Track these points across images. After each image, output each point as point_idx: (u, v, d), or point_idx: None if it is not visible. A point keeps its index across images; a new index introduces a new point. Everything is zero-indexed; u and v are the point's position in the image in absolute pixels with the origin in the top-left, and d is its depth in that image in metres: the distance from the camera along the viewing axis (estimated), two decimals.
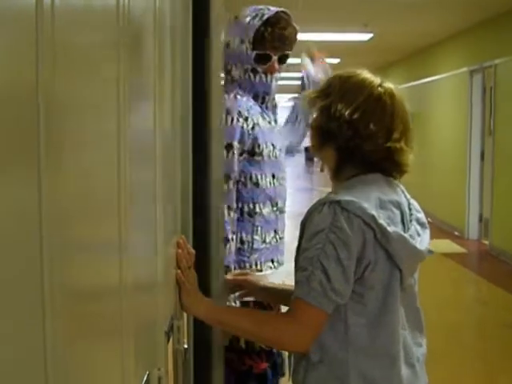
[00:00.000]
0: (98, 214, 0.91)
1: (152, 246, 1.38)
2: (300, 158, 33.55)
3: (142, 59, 1.29)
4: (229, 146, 2.29)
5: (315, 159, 31.55)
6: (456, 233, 10.22)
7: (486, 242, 9.33)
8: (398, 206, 1.73)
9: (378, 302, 1.63)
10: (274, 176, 2.39)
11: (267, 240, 2.37)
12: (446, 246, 9.57)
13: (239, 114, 2.32)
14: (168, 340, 1.63)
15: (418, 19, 9.32)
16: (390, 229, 1.60)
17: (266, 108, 2.45)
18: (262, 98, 2.43)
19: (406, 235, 1.66)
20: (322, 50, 2.96)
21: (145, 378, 1.23)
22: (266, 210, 2.36)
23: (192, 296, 1.75)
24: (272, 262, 2.40)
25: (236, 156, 2.30)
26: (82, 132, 0.82)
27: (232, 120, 2.31)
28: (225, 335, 2.31)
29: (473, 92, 9.97)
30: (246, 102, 2.35)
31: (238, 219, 2.35)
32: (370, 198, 1.65)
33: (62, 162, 0.71)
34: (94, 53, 0.89)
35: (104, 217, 0.95)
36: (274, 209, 2.40)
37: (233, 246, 2.31)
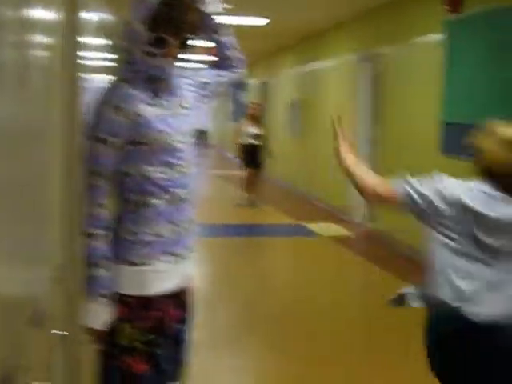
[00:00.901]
0: None
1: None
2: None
3: None
4: (101, 140, 2.19)
5: (210, 143, 31.50)
6: (343, 216, 10.44)
7: (371, 225, 9.58)
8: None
9: None
10: (167, 164, 2.25)
11: (160, 232, 2.25)
12: (333, 229, 9.76)
13: (114, 106, 2.19)
14: (38, 327, 1.57)
15: (312, 5, 9.41)
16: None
17: (162, 92, 2.31)
18: (158, 82, 2.29)
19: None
20: None
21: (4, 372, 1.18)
22: (158, 201, 2.24)
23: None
24: (168, 255, 2.28)
25: (109, 150, 2.19)
26: None
27: (106, 112, 2.19)
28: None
29: (362, 79, 10.18)
30: (124, 91, 2.22)
31: (129, 211, 2.25)
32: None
33: None
34: None
35: None
36: (169, 198, 2.26)
37: (100, 240, 2.21)
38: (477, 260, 2.48)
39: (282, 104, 15.64)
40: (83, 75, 2.84)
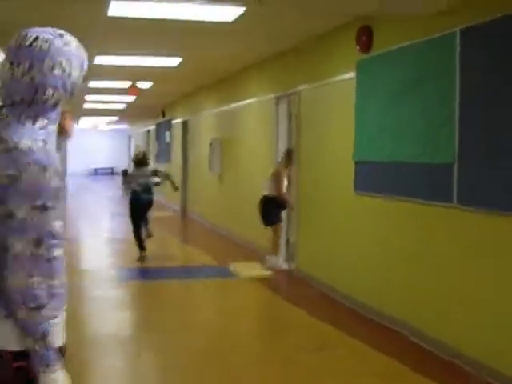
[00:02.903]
0: None
1: None
2: (117, 181, 33.06)
3: None
4: (43, 207, 2.07)
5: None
6: (267, 256, 10.38)
7: (290, 265, 9.55)
8: None
9: None
10: (60, 217, 2.20)
11: (63, 282, 2.18)
12: (254, 269, 9.66)
13: (55, 171, 2.09)
14: None
15: (225, 46, 9.44)
16: None
17: None
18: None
19: None
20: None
21: None
22: (60, 252, 2.17)
23: None
24: (66, 303, 2.22)
25: (49, 216, 2.09)
26: None
27: (50, 177, 2.07)
28: None
29: (279, 118, 10.21)
30: (54, 153, 2.14)
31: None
32: None
33: None
34: None
35: None
36: (64, 248, 2.22)
37: (46, 311, 2.10)
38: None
39: (202, 143, 15.60)
40: None
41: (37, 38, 2.18)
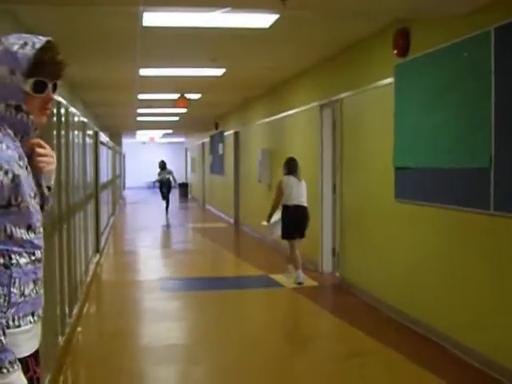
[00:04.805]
0: None
1: None
2: (174, 193, 33.36)
3: None
4: None
5: (189, 196, 31.47)
6: (311, 266, 10.24)
7: (338, 275, 9.39)
8: None
9: None
10: (29, 227, 2.21)
11: (26, 292, 2.19)
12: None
13: (6, 170, 2.10)
14: None
15: (265, 53, 9.38)
16: None
17: (24, 152, 2.25)
18: (21, 137, 2.23)
19: None
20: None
21: None
22: (23, 261, 2.18)
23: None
24: (32, 315, 2.23)
25: (3, 216, 2.11)
26: None
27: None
28: None
29: (323, 125, 10.10)
30: (5, 152, 2.13)
31: None
32: None
33: None
34: None
35: None
36: (33, 258, 2.23)
37: None
38: None
39: (253, 154, 15.56)
40: None
41: None
